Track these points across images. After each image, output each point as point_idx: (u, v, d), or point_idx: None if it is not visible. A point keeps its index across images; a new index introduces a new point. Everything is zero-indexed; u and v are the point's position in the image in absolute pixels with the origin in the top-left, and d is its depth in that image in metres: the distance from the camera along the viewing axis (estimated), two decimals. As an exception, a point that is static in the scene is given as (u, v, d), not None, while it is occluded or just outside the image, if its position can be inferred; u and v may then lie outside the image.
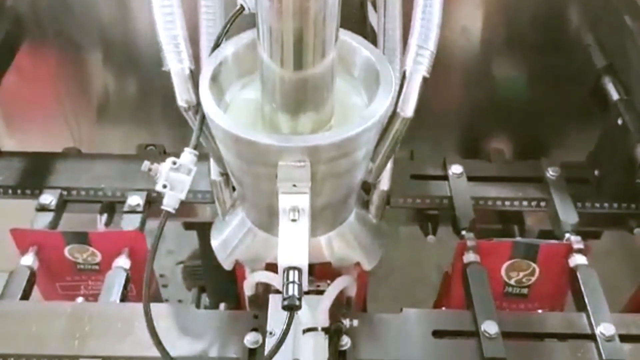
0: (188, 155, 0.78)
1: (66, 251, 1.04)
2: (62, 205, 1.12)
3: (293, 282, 0.71)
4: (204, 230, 1.35)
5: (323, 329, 0.87)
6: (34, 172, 1.15)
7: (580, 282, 0.98)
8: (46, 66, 1.29)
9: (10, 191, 1.14)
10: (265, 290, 0.97)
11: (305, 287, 0.73)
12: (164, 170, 0.76)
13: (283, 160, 0.73)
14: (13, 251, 1.03)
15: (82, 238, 1.03)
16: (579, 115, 1.29)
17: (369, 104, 0.77)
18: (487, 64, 1.27)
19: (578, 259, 1.01)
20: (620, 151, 1.06)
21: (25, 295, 0.98)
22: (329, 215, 0.89)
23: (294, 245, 0.73)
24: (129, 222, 1.08)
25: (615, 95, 1.11)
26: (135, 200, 1.10)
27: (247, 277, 0.96)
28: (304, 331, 0.86)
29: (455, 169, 1.15)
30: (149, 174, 0.77)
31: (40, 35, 1.25)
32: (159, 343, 0.79)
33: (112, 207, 1.14)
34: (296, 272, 0.72)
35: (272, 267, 0.91)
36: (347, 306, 0.98)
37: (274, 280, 0.90)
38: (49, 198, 1.10)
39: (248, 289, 0.96)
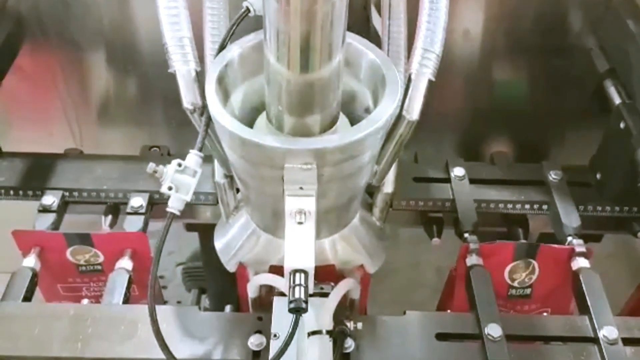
0: (193, 157, 0.78)
1: (68, 253, 1.04)
2: (64, 207, 1.11)
3: (299, 284, 0.71)
4: (205, 231, 1.36)
5: (327, 332, 0.86)
6: (36, 173, 1.14)
7: (583, 285, 0.98)
8: (47, 67, 1.29)
9: (12, 192, 1.13)
10: (268, 292, 0.97)
11: (311, 290, 0.73)
12: (169, 172, 0.77)
13: (289, 162, 0.73)
14: (15, 252, 1.03)
15: (84, 239, 1.03)
16: (581, 118, 1.29)
17: (375, 107, 0.78)
18: (489, 67, 1.27)
19: (580, 262, 1.01)
20: (623, 155, 1.07)
21: (28, 297, 0.97)
22: (334, 217, 0.89)
23: (300, 247, 0.73)
24: (132, 224, 1.07)
25: (617, 99, 1.11)
26: (138, 201, 1.10)
27: (250, 279, 0.96)
28: (309, 334, 0.86)
29: (458, 171, 1.15)
30: (153, 175, 0.77)
31: (42, 36, 1.24)
32: (164, 345, 0.79)
33: (116, 209, 1.14)
34: (302, 274, 0.72)
35: (275, 270, 0.91)
36: (350, 309, 0.98)
37: (279, 282, 0.90)
38: (51, 199, 1.09)
39: (251, 291, 0.96)
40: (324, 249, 0.91)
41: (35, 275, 1.00)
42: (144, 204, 1.10)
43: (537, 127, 1.33)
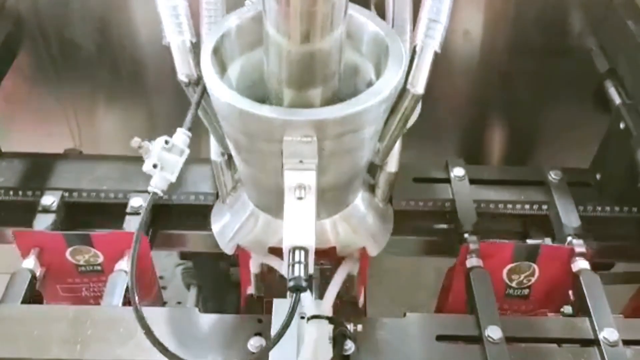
0: (181, 136, 0.74)
1: (68, 253, 1.04)
2: (63, 207, 1.11)
3: (299, 262, 0.68)
4: (199, 259, 1.37)
5: (327, 318, 0.85)
6: (35, 174, 1.14)
7: (583, 286, 0.98)
8: (47, 67, 1.29)
9: (11, 192, 1.13)
10: (270, 270, 0.95)
11: (311, 269, 0.69)
12: (155, 148, 0.72)
13: (289, 135, 0.69)
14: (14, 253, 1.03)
15: (84, 240, 1.02)
16: (581, 119, 1.29)
17: (378, 79, 0.74)
18: (489, 67, 1.27)
19: (580, 264, 1.01)
20: (623, 155, 1.07)
21: (27, 298, 0.97)
22: (335, 197, 0.85)
23: (300, 224, 0.69)
24: (132, 224, 1.06)
25: (617, 100, 1.11)
26: (138, 201, 1.09)
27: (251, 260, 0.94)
28: (308, 319, 0.84)
29: (458, 172, 1.15)
30: (138, 151, 0.73)
31: (41, 36, 1.24)
32: (162, 348, 0.78)
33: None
34: (302, 252, 0.68)
35: (274, 251, 0.89)
36: (350, 287, 0.96)
37: (278, 264, 0.88)
38: (50, 199, 1.09)
39: (254, 267, 0.94)
40: (325, 230, 0.87)
41: (34, 276, 1.00)
42: (144, 204, 1.09)
43: (537, 127, 1.33)
